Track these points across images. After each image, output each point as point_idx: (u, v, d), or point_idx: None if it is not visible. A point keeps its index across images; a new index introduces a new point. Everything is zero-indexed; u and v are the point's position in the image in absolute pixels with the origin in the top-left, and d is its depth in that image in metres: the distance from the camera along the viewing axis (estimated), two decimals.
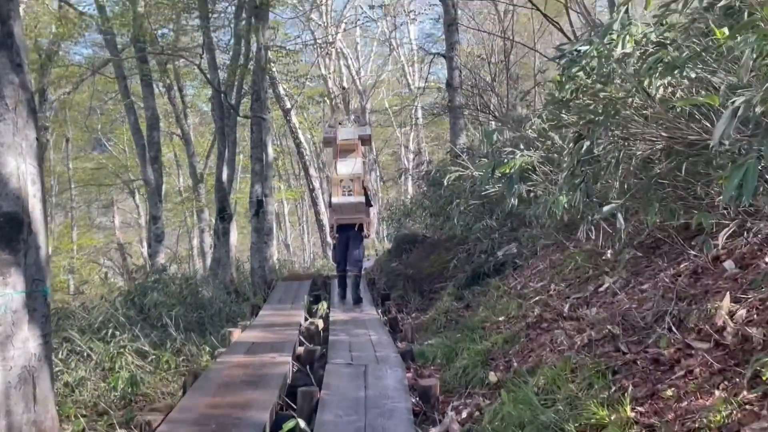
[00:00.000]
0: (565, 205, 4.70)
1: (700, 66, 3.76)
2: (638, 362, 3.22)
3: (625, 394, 2.95)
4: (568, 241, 6.35)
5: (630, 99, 4.09)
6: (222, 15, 15.80)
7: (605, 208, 4.16)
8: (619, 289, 4.44)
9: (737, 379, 2.64)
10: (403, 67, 28.94)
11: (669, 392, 2.82)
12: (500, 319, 5.72)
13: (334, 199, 9.00)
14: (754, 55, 3.04)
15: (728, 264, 3.69)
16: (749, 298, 3.11)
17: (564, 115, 5.03)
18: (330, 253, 14.01)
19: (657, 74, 3.74)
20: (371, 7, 22.96)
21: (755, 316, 2.96)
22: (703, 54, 3.73)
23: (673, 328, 3.26)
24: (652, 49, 3.88)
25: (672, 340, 3.20)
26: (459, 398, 4.48)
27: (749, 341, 2.80)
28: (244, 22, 13.21)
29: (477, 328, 5.82)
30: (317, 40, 22.60)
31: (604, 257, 5.26)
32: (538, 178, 6.14)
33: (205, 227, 21.79)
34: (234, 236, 13.93)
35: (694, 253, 4.07)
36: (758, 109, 2.86)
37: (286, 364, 5.12)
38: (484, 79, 16.29)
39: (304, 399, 4.25)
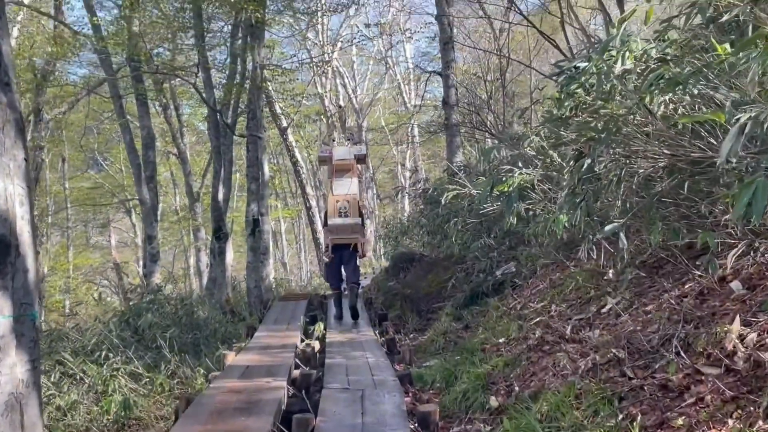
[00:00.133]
0: (566, 224, 4.61)
1: (703, 82, 3.67)
2: (645, 388, 3.10)
3: (634, 423, 2.83)
4: (568, 260, 6.25)
5: (631, 116, 4.00)
6: (218, 34, 15.80)
7: (607, 227, 4.06)
8: (623, 310, 4.33)
9: (751, 408, 2.53)
10: (399, 86, 28.97)
11: (680, 421, 2.71)
12: (500, 340, 5.60)
13: (330, 220, 8.98)
14: (761, 71, 2.95)
15: (735, 285, 3.58)
16: (760, 321, 3.00)
17: (563, 133, 4.94)
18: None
19: (658, 90, 3.67)
20: (367, 25, 23.02)
21: (767, 340, 2.85)
22: (705, 70, 3.65)
23: (681, 353, 3.15)
24: (653, 65, 3.79)
25: (680, 365, 3.09)
26: (459, 424, 4.35)
27: (762, 367, 2.69)
28: (240, 41, 13.18)
29: (476, 350, 5.69)
30: (313, 59, 22.60)
31: (605, 277, 5.15)
32: (537, 196, 6.05)
33: (202, 246, 21.63)
34: (230, 255, 13.82)
35: (699, 273, 3.96)
36: (766, 126, 2.77)
37: (281, 389, 4.98)
38: (480, 97, 16.27)
39: (299, 426, 4.11)
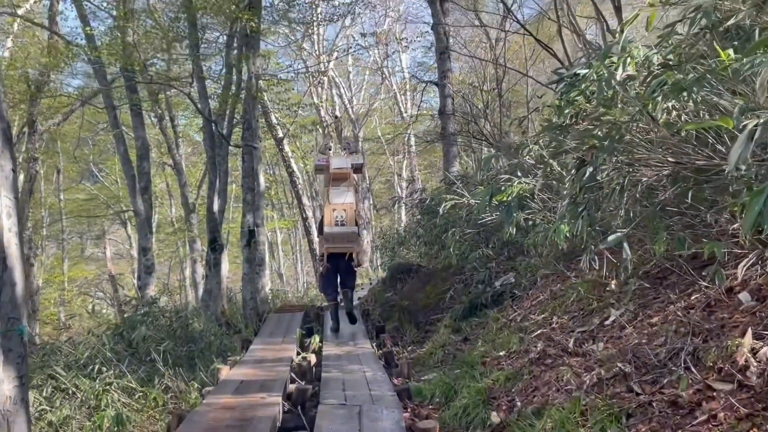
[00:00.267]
0: (567, 234, 4.50)
1: (707, 88, 3.58)
2: (654, 404, 2.98)
3: None
4: (568, 270, 6.14)
5: (634, 123, 3.91)
6: (213, 45, 15.75)
7: (610, 238, 3.95)
8: (627, 322, 4.21)
9: (767, 426, 2.41)
10: (395, 96, 28.93)
11: None
12: (501, 353, 5.47)
13: (326, 228, 8.91)
14: None
15: (744, 296, 3.47)
16: None
17: (564, 141, 4.84)
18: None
19: (662, 97, 3.57)
20: (363, 35, 23.00)
21: None
22: (708, 76, 3.56)
23: (691, 367, 3.03)
24: (657, 70, 3.70)
25: (690, 380, 2.97)
26: None
27: None
28: (235, 51, 13.10)
29: (476, 364, 5.56)
30: (309, 68, 22.55)
31: (608, 288, 5.03)
32: (537, 206, 5.95)
33: (198, 257, 21.54)
34: (225, 267, 13.68)
35: (705, 284, 3.85)
36: None
37: (275, 405, 4.85)
38: (476, 106, 16.20)
39: None
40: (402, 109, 28.73)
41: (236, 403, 5.00)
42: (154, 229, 18.73)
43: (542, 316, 5.68)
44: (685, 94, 3.46)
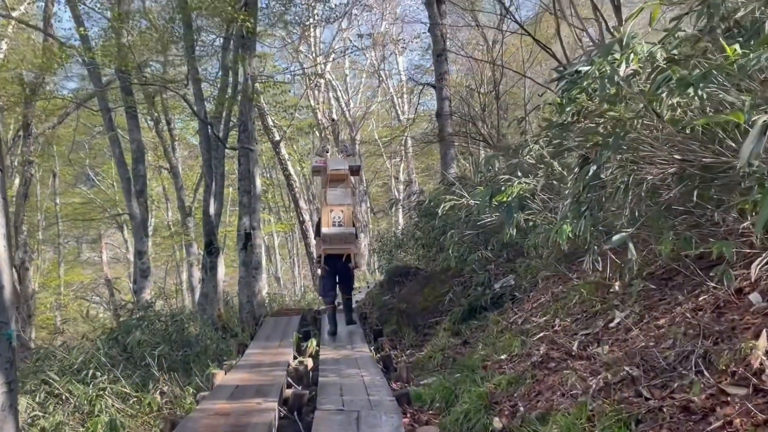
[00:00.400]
0: (569, 234, 4.39)
1: (714, 83, 3.48)
2: (665, 410, 2.86)
3: None
4: (570, 272, 6.03)
5: (639, 120, 3.80)
6: (209, 47, 15.63)
7: (615, 238, 3.83)
8: (633, 324, 4.09)
9: None
10: (392, 98, 28.85)
11: None
12: (502, 357, 5.35)
13: (324, 229, 8.85)
14: None
15: (754, 297, 3.36)
16: None
17: (566, 140, 4.73)
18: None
19: (668, 92, 3.47)
20: (360, 36, 22.93)
21: None
22: (714, 72, 3.46)
23: (703, 371, 2.92)
24: (663, 65, 3.59)
25: (702, 384, 2.85)
26: None
27: None
28: (231, 53, 13.00)
29: (477, 368, 5.43)
30: (305, 70, 22.46)
31: (612, 290, 4.92)
32: (537, 206, 5.85)
33: (194, 261, 21.42)
34: (221, 271, 13.56)
35: (713, 284, 3.74)
36: None
37: (271, 411, 4.72)
38: (474, 108, 16.12)
39: None
40: (399, 112, 28.65)
41: (231, 409, 4.88)
42: (150, 233, 18.63)
43: (544, 318, 5.56)
44: (690, 90, 3.36)
